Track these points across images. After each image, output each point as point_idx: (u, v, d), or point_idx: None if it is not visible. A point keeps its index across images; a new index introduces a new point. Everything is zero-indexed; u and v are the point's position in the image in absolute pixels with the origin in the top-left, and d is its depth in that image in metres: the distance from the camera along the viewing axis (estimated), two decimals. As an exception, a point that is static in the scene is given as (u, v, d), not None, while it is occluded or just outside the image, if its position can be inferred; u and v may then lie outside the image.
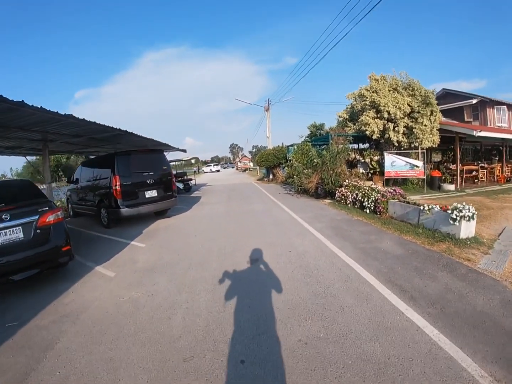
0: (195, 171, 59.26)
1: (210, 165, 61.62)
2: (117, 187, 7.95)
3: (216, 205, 11.34)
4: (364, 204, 8.37)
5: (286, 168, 15.74)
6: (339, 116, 16.03)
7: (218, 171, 55.91)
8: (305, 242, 5.74)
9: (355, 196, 9.09)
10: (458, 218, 5.58)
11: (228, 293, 3.86)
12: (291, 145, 18.42)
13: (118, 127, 7.97)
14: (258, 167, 29.71)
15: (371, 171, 14.13)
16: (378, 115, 13.02)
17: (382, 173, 13.44)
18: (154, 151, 9.57)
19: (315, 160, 11.24)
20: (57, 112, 5.72)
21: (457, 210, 5.68)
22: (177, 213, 10.02)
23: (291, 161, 13.12)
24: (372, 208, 8.12)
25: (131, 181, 8.15)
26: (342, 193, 9.60)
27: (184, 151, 17.16)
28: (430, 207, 6.34)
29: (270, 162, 20.47)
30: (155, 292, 4.11)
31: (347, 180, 10.77)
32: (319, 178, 11.30)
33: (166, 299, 3.87)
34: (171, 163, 29.62)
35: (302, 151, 12.96)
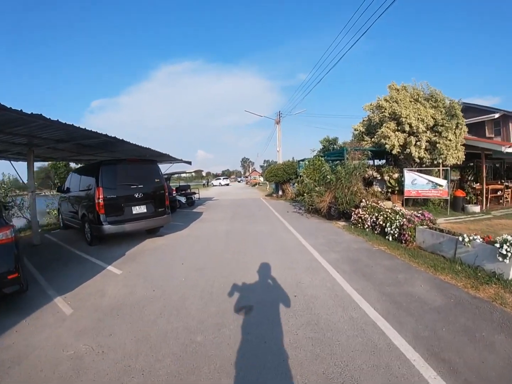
0: (204, 184, 58.99)
1: (220, 179, 60.99)
2: (99, 200, 6.97)
3: (217, 223, 10.20)
4: (386, 230, 7.09)
5: (296, 184, 14.60)
6: (355, 129, 14.95)
7: (227, 184, 55.11)
8: (316, 282, 4.49)
9: (374, 219, 7.84)
10: (509, 254, 4.35)
11: (199, 366, 2.68)
12: (302, 160, 17.29)
13: (104, 133, 6.98)
14: (267, 182, 28.61)
15: (389, 190, 12.86)
16: (399, 128, 11.90)
17: (401, 192, 12.17)
18: (145, 161, 8.57)
19: (328, 177, 10.03)
20: (21, 110, 4.76)
21: (508, 244, 4.43)
22: (172, 231, 8.94)
23: (302, 177, 11.95)
24: (396, 235, 6.85)
25: (116, 194, 7.16)
26: (359, 215, 8.34)
27: (189, 163, 16.16)
28: (470, 238, 5.11)
29: (279, 178, 19.30)
30: (108, 348, 3.02)
31: (364, 200, 9.55)
32: (332, 196, 10.08)
33: (117, 363, 2.76)
34: (175, 175, 28.89)
35: (314, 166, 11.79)
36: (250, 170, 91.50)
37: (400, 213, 7.38)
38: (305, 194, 11.04)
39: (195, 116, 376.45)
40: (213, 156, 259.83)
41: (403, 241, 6.55)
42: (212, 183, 58.50)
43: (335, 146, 20.36)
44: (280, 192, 20.81)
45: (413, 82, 13.02)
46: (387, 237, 7.02)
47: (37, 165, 16.42)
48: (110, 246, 7.42)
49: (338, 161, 16.42)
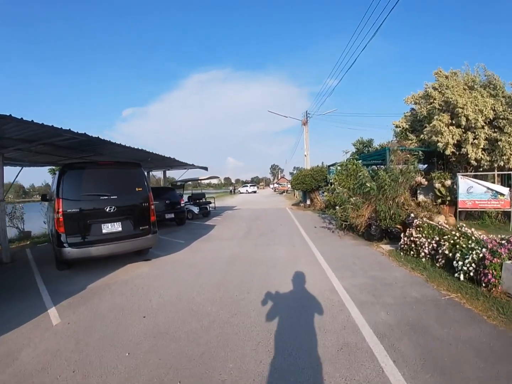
0: (230, 191, 57.28)
1: (247, 186, 58.90)
2: (59, 215, 5.29)
3: (224, 243, 8.13)
4: (455, 264, 4.74)
5: (325, 193, 12.36)
6: (396, 126, 12.61)
7: (254, 192, 53.00)
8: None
9: (434, 245, 5.52)
10: None
11: None
12: (333, 165, 14.98)
13: (67, 128, 5.29)
14: (295, 190, 26.33)
15: (439, 200, 10.32)
16: (453, 121, 9.48)
17: (452, 202, 9.92)
18: (124, 164, 6.77)
19: (367, 185, 7.69)
20: None
21: None
22: (165, 253, 7.13)
23: (333, 185, 9.71)
24: (470, 273, 4.47)
25: (79, 208, 5.42)
26: (413, 238, 5.96)
27: (205, 168, 14.46)
28: None
29: (307, 185, 16.95)
30: None
31: (412, 215, 7.22)
32: (372, 210, 7.78)
33: None
34: (204, 182, 27.29)
35: (347, 172, 9.50)
36: (279, 177, 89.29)
37: (473, 238, 5.03)
38: (336, 207, 8.74)
39: (225, 124, 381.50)
40: (242, 164, 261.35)
41: (483, 284, 4.21)
42: (239, 191, 56.85)
43: (370, 149, 17.85)
44: (308, 202, 18.49)
45: (465, 67, 10.75)
46: (456, 274, 4.67)
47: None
48: (76, 272, 5.84)
49: (374, 166, 14.04)
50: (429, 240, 5.66)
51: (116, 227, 5.67)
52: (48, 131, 5.42)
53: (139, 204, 6.02)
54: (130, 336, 3.33)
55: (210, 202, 15.33)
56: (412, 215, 7.33)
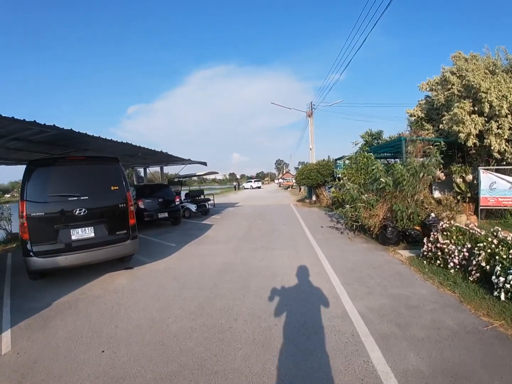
0: (234, 187, 56.36)
1: (251, 181, 57.93)
2: (23, 220, 4.53)
3: (219, 247, 7.26)
4: (495, 280, 3.80)
5: (332, 189, 11.41)
6: (411, 115, 11.71)
7: (259, 187, 52.01)
8: None
9: (466, 254, 4.59)
10: None
11: None
12: (340, 158, 14.02)
13: (31, 120, 4.52)
14: (301, 186, 25.35)
15: (458, 197, 9.37)
16: (475, 109, 8.70)
17: (473, 199, 9.03)
18: (97, 159, 5.88)
19: (382, 180, 6.75)
20: None
21: None
22: (151, 259, 6.34)
23: (342, 180, 8.79)
24: None
25: (45, 211, 4.63)
26: (439, 245, 5.01)
27: (204, 163, 13.64)
28: None
29: (312, 180, 15.98)
30: None
31: (432, 215, 6.38)
32: (387, 209, 6.86)
33: None
34: (209, 178, 26.46)
35: (357, 165, 8.58)
36: (284, 172, 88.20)
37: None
38: (346, 205, 7.78)
39: (230, 119, 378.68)
40: (248, 159, 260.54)
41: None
42: (243, 186, 55.94)
43: (379, 141, 16.87)
44: (314, 198, 17.56)
45: (485, 50, 10.12)
46: (496, 293, 3.75)
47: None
48: (50, 282, 5.19)
49: (384, 160, 13.13)
50: (459, 248, 4.73)
51: (88, 232, 4.84)
52: (12, 124, 4.66)
53: (115, 205, 5.16)
54: (79, 380, 2.56)
55: (209, 199, 14.48)
56: (432, 215, 6.47)
